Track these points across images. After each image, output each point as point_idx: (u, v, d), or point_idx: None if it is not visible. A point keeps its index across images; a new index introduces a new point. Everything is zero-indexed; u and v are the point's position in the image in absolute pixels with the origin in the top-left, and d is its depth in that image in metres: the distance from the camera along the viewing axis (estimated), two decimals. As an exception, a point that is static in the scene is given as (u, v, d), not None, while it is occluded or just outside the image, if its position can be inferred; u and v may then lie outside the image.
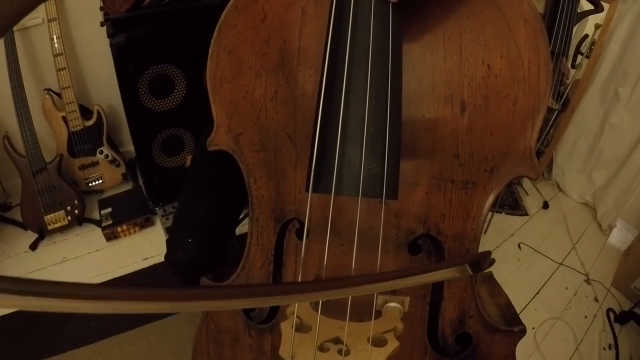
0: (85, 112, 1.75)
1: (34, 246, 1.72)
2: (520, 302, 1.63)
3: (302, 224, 0.60)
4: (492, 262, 0.44)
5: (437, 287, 0.61)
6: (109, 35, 1.41)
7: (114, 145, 1.89)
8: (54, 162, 1.66)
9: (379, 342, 0.57)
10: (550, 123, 1.91)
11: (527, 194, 2.14)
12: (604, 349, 1.51)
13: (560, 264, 1.80)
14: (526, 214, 2.03)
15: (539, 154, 2.12)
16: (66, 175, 1.71)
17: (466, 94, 0.53)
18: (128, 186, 1.95)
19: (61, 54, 1.58)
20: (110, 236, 1.74)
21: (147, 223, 1.79)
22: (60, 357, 1.37)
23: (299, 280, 0.59)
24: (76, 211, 1.73)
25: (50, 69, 1.64)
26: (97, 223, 1.79)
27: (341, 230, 0.59)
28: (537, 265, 1.78)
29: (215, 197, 0.87)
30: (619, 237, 1.91)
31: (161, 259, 1.61)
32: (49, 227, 1.70)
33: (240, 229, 1.00)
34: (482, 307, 0.61)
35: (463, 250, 0.59)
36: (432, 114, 0.54)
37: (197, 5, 1.48)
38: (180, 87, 1.58)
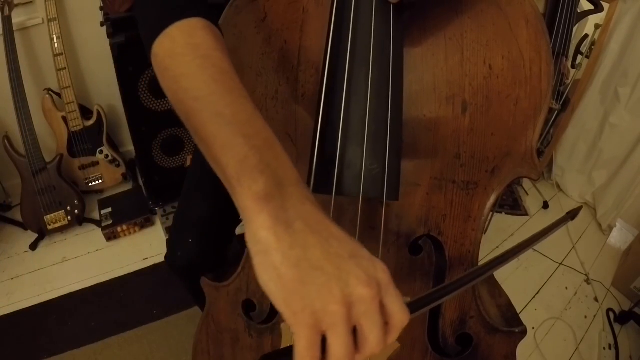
0: (85, 112, 1.75)
1: (34, 246, 1.72)
2: (520, 302, 1.63)
3: (302, 224, 0.60)
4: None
5: (438, 288, 0.61)
6: (109, 35, 1.41)
7: (114, 145, 1.89)
8: (54, 162, 1.66)
9: (379, 343, 0.57)
10: (550, 123, 1.91)
11: (527, 194, 2.14)
12: (604, 349, 1.51)
13: (560, 264, 1.80)
14: (526, 214, 2.03)
15: (539, 154, 2.12)
16: (66, 175, 1.71)
17: (467, 94, 0.53)
18: (128, 186, 1.95)
19: (61, 54, 1.58)
20: (110, 236, 1.74)
21: (147, 223, 1.79)
22: (60, 357, 1.37)
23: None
24: (76, 211, 1.73)
25: (50, 69, 1.64)
26: (97, 223, 1.79)
27: (342, 230, 0.58)
28: (537, 265, 1.78)
29: (215, 197, 0.87)
30: (619, 237, 1.91)
31: (161, 259, 1.61)
32: (49, 227, 1.70)
33: (241, 229, 1.00)
34: (482, 307, 0.61)
35: (464, 251, 0.59)
36: (434, 114, 0.54)
37: (197, 5, 1.48)
38: (180, 87, 1.58)
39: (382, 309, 0.35)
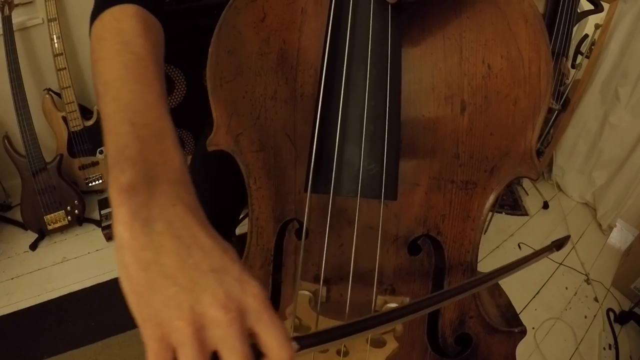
0: (85, 112, 1.75)
1: (34, 246, 1.72)
2: (520, 302, 1.63)
3: (301, 224, 0.60)
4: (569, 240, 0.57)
5: (437, 289, 0.61)
6: (109, 35, 1.41)
7: (113, 145, 1.89)
8: (54, 162, 1.66)
9: (378, 343, 0.57)
10: (550, 123, 1.90)
11: (527, 194, 2.14)
12: (604, 349, 1.51)
13: (560, 264, 1.80)
14: (526, 214, 2.03)
15: (539, 154, 2.12)
16: (66, 175, 1.71)
17: (466, 94, 0.53)
18: (128, 186, 1.95)
19: (61, 54, 1.58)
20: (111, 236, 1.74)
21: (147, 223, 1.79)
22: (60, 357, 1.37)
23: (298, 280, 0.59)
24: (76, 211, 1.73)
25: (50, 69, 1.64)
26: (97, 223, 1.79)
27: (340, 230, 0.58)
28: (537, 265, 1.77)
29: (214, 198, 0.87)
30: (619, 237, 1.91)
31: (161, 259, 1.60)
32: (49, 227, 1.70)
33: (240, 229, 1.00)
34: (482, 307, 0.61)
35: (463, 251, 0.59)
36: (432, 114, 0.54)
37: (197, 5, 1.48)
38: (180, 87, 1.58)
39: (257, 338, 0.31)
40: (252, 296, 0.31)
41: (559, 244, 0.54)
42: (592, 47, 1.80)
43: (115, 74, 0.40)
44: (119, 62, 0.41)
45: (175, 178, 0.35)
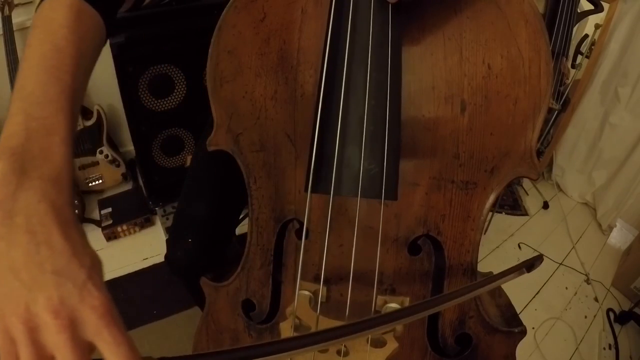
0: (85, 112, 1.75)
1: (33, 246, 1.72)
2: (520, 302, 1.63)
3: (301, 224, 0.60)
4: (542, 260, 0.54)
5: (437, 289, 0.61)
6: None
7: (114, 145, 1.89)
8: (53, 162, 1.66)
9: (378, 343, 0.57)
10: (550, 123, 1.91)
11: (527, 194, 2.14)
12: (604, 349, 1.51)
13: (560, 264, 1.80)
14: (526, 214, 2.03)
15: (539, 154, 2.12)
16: (66, 175, 1.71)
17: (466, 94, 0.53)
18: (128, 186, 1.95)
19: (61, 53, 1.58)
20: (110, 236, 1.74)
21: (147, 223, 1.79)
22: (60, 357, 1.37)
23: (298, 280, 0.59)
24: (76, 211, 1.72)
25: (50, 69, 1.64)
26: (97, 223, 1.79)
27: (340, 230, 0.58)
28: (537, 265, 1.78)
29: (215, 197, 0.87)
30: (619, 237, 1.91)
31: (161, 259, 1.61)
32: (49, 227, 1.70)
33: (240, 229, 1.00)
34: (482, 307, 0.61)
35: (463, 251, 0.59)
36: (432, 114, 0.54)
37: (197, 5, 1.48)
38: (180, 87, 1.58)
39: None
40: (90, 308, 0.30)
41: (529, 265, 0.53)
42: (592, 47, 1.80)
43: (31, 63, 0.40)
44: (38, 52, 0.41)
45: (49, 175, 0.35)
